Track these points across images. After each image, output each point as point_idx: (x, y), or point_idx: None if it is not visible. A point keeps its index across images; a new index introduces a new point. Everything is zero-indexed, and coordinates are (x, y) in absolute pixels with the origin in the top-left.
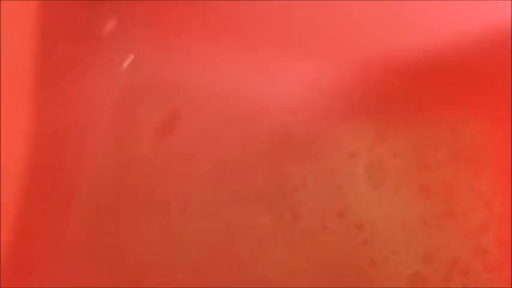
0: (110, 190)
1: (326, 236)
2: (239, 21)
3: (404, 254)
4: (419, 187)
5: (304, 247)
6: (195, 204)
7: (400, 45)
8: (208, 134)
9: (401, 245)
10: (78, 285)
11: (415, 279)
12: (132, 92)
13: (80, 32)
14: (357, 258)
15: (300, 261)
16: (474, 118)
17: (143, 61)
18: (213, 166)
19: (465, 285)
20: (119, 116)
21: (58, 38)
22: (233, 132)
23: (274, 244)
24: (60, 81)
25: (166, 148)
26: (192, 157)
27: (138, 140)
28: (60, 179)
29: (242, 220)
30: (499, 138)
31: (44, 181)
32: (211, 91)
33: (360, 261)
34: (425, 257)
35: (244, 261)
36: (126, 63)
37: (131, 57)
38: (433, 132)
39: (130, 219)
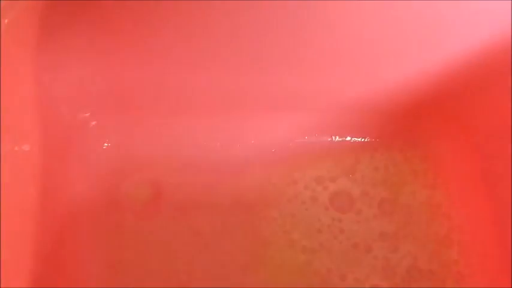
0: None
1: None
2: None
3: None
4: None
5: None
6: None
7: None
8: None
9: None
10: None
11: None
12: (113, 172)
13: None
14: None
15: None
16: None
17: (118, 144)
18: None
19: None
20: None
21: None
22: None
23: None
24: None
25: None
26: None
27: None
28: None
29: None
30: (456, 157)
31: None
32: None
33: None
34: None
35: None
36: (103, 147)
37: (107, 141)
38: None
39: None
